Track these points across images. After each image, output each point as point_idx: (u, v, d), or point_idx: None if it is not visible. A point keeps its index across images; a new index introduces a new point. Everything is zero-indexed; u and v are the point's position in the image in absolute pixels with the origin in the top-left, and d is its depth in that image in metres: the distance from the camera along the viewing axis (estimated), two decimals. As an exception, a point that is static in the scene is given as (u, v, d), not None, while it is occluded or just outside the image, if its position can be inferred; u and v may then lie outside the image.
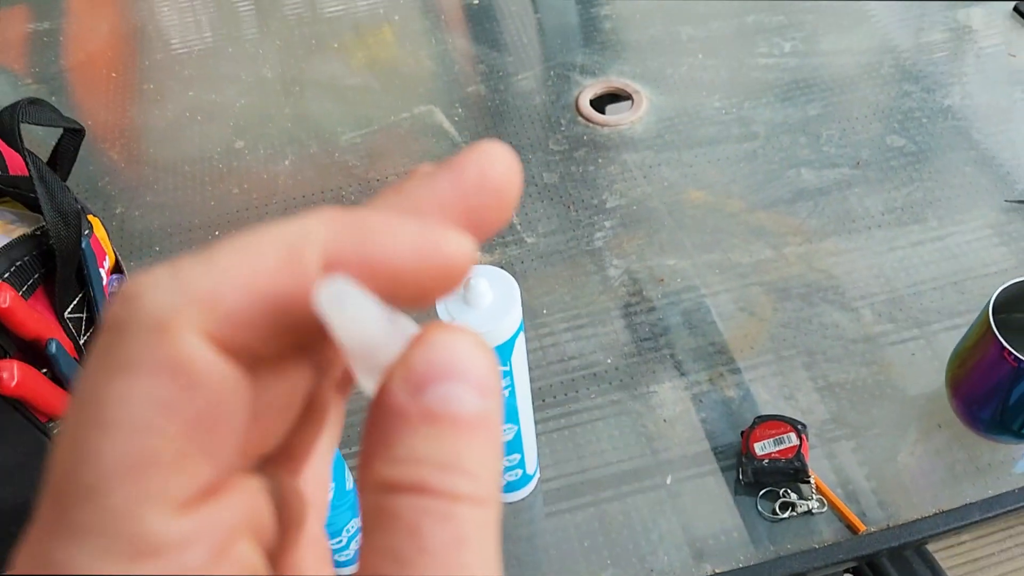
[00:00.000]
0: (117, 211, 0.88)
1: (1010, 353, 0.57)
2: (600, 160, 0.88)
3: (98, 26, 1.11)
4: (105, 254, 0.65)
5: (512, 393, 0.55)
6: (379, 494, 0.16)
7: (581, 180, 0.86)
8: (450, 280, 0.17)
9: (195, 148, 0.94)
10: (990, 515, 0.62)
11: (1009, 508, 0.62)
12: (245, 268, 0.16)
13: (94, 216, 0.66)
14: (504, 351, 0.51)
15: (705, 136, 0.89)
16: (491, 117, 0.93)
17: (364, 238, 0.17)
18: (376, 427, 0.16)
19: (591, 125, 0.91)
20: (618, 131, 0.90)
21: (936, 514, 0.62)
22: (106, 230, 0.69)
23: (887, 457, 0.65)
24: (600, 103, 0.94)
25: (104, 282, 0.65)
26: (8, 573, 0.15)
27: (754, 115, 0.91)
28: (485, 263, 0.78)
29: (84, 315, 0.62)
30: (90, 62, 1.06)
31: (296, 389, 0.18)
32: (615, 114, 0.93)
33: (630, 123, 0.91)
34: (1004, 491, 0.63)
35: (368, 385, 0.17)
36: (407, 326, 0.17)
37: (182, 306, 0.15)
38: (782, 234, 0.80)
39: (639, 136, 0.90)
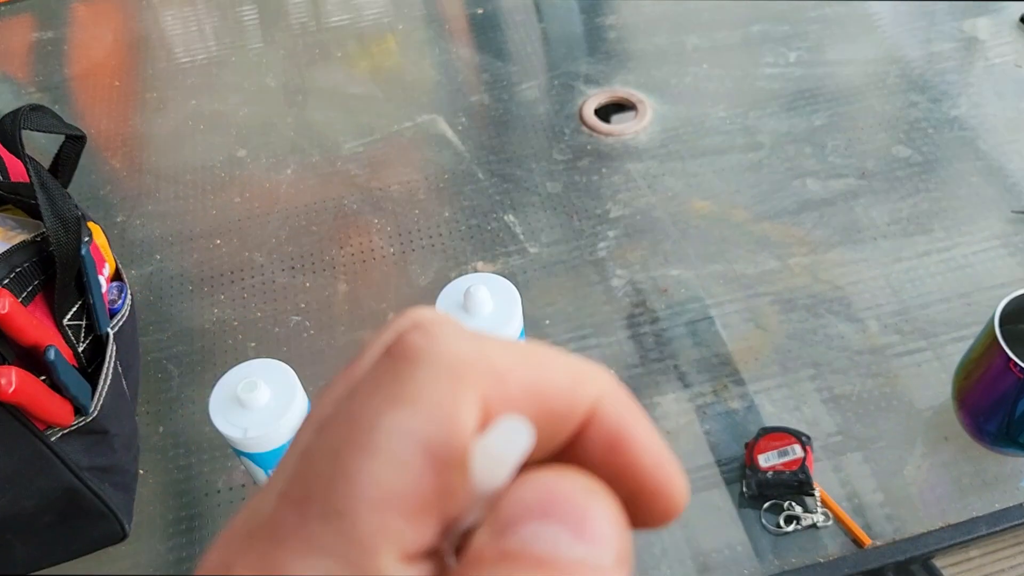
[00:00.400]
0: (118, 219, 0.88)
1: (1016, 365, 0.57)
2: (604, 170, 0.88)
3: (102, 35, 1.12)
4: (105, 261, 0.65)
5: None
6: None
7: (584, 190, 0.86)
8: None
9: (197, 157, 0.94)
10: (997, 529, 0.62)
11: (1016, 522, 0.62)
12: (534, 374, 0.16)
13: (94, 223, 0.66)
14: None
15: (710, 146, 0.89)
16: (495, 127, 0.94)
17: (627, 418, 0.17)
18: None
19: (595, 135, 0.92)
20: (622, 140, 0.91)
21: (943, 528, 0.62)
22: (107, 238, 0.70)
23: (893, 470, 0.65)
24: (605, 113, 0.95)
25: (104, 289, 0.65)
26: (233, 573, 0.14)
27: (759, 125, 0.91)
28: (487, 271, 0.79)
29: (83, 322, 0.63)
30: (93, 71, 1.07)
31: None
32: (619, 124, 0.93)
33: (634, 133, 0.91)
34: (1011, 505, 0.63)
35: None
36: None
37: (480, 365, 0.15)
38: (787, 245, 0.80)
39: (643, 146, 0.90)
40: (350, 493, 0.14)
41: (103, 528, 0.64)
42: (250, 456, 0.55)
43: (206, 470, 0.69)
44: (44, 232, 0.57)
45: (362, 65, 1.04)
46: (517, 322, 0.50)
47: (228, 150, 0.95)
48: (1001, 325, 0.58)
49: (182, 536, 0.66)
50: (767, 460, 0.63)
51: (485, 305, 0.49)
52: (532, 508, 0.14)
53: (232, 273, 0.82)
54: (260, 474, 0.59)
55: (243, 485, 0.68)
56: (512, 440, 0.15)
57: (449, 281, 0.63)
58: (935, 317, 0.74)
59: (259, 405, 0.46)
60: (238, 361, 0.58)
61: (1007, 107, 0.91)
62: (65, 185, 0.65)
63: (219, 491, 0.68)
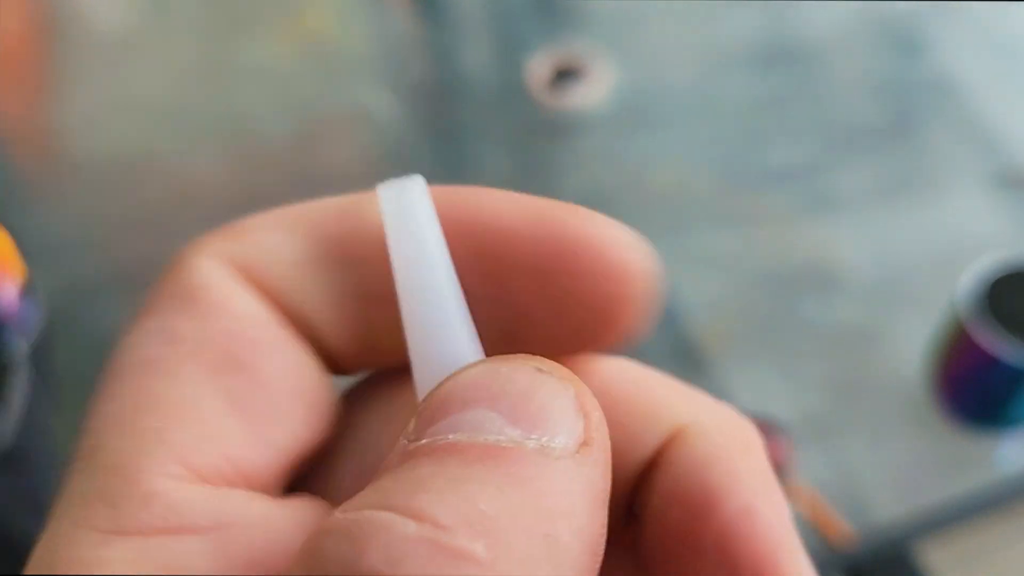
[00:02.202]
0: (26, 220, 0.86)
1: (986, 341, 0.58)
2: (557, 145, 0.88)
3: (5, 11, 1.09)
4: (9, 275, 0.64)
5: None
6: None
7: (536, 167, 0.86)
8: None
9: (110, 146, 0.92)
10: (975, 510, 0.63)
11: (995, 502, 0.64)
12: (290, 214, 0.14)
13: (-3, 230, 0.65)
14: None
15: (668, 116, 0.90)
16: (436, 100, 0.93)
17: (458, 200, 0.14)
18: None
19: (545, 106, 0.91)
20: (575, 111, 0.90)
21: (920, 512, 0.64)
22: (14, 241, 0.68)
23: (867, 455, 0.67)
24: (556, 80, 0.94)
25: (14, 306, 0.64)
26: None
27: (723, 89, 0.91)
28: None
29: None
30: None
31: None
32: (572, 92, 0.93)
33: (588, 102, 0.91)
34: (987, 484, 0.64)
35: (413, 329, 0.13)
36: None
37: (208, 239, 0.13)
38: (756, 219, 0.81)
39: (598, 118, 0.90)
40: (96, 425, 0.12)
41: (24, 561, 0.64)
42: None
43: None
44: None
45: (290, 37, 1.02)
46: None
47: (142, 138, 0.93)
48: (971, 301, 0.60)
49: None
50: (738, 453, 0.64)
51: None
52: (454, 399, 0.12)
53: (152, 274, 0.81)
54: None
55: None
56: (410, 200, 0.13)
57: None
58: (913, 289, 0.75)
59: None
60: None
61: (984, 65, 0.92)
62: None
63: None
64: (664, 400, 0.14)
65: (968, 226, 0.79)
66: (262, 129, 0.92)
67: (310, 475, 0.14)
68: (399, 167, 0.88)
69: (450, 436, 0.11)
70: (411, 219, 0.14)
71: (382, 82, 0.95)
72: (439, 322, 0.14)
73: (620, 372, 0.15)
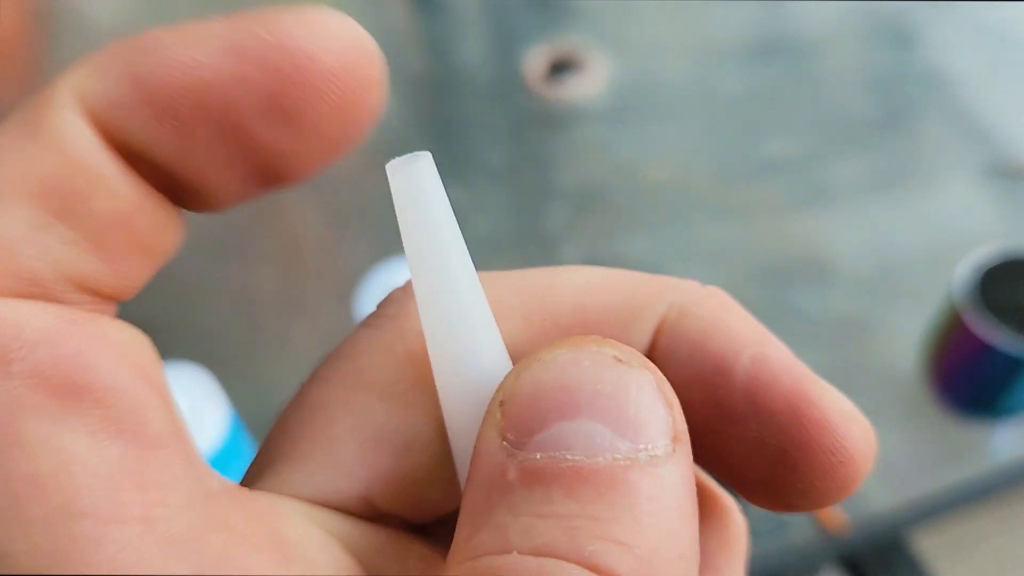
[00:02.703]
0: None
1: (982, 330, 0.58)
2: (552, 137, 0.88)
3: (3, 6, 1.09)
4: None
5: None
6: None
7: (531, 159, 0.86)
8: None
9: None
10: (968, 499, 0.64)
11: (988, 491, 0.64)
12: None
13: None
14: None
15: (664, 108, 0.90)
16: (432, 92, 0.93)
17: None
18: (468, 499, 0.12)
19: (541, 98, 0.91)
20: (571, 104, 0.91)
21: (914, 501, 0.64)
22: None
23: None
24: (552, 73, 0.95)
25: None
26: None
27: (718, 82, 0.91)
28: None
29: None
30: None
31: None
32: (568, 85, 0.93)
33: (584, 95, 0.91)
34: (981, 473, 0.65)
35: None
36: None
37: (67, 86, 0.13)
38: (751, 211, 0.81)
39: (593, 109, 0.90)
40: None
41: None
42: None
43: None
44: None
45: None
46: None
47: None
48: (967, 290, 0.60)
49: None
50: (732, 442, 0.64)
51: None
52: (550, 402, 0.12)
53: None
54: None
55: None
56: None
57: (385, 262, 0.63)
58: (907, 281, 0.75)
59: None
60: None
61: (979, 57, 0.92)
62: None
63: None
64: (637, 295, 0.15)
65: (962, 217, 0.79)
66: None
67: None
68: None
69: (567, 456, 0.11)
70: (420, 195, 0.14)
71: (378, 75, 0.95)
72: (454, 301, 0.14)
73: (589, 281, 0.15)
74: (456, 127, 0.90)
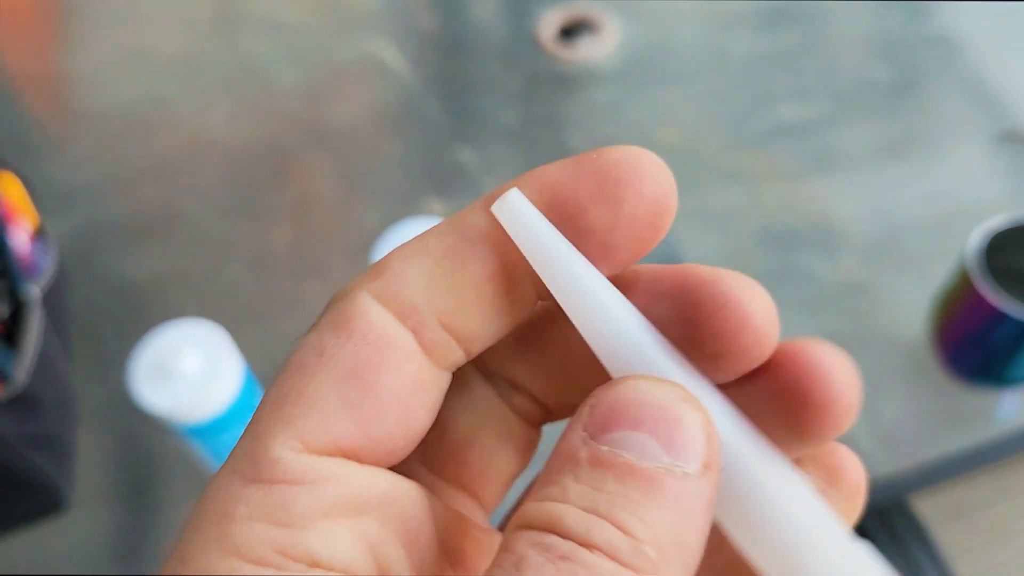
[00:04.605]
0: (38, 167, 0.86)
1: (993, 296, 0.57)
2: (564, 98, 0.87)
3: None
4: (21, 218, 0.63)
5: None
6: (512, 532, 0.15)
7: (543, 121, 0.85)
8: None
9: (122, 96, 0.91)
10: (973, 464, 0.63)
11: (992, 457, 0.64)
12: (412, 244, 0.18)
13: (7, 172, 0.64)
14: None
15: (676, 70, 0.88)
16: (445, 53, 0.92)
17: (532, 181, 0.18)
18: (546, 468, 0.16)
19: (554, 59, 0.90)
20: (584, 66, 0.89)
21: (920, 465, 0.64)
22: (26, 188, 0.67)
23: (868, 410, 0.66)
24: (565, 35, 0.93)
25: (27, 248, 0.64)
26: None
27: (729, 46, 0.90)
28: (437, 213, 0.78)
29: (6, 286, 0.61)
30: (5, 3, 1.02)
31: (475, 407, 0.20)
32: (581, 47, 0.91)
33: (596, 57, 0.90)
34: (987, 439, 0.64)
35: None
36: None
37: (362, 279, 0.17)
38: (760, 176, 0.80)
39: (606, 71, 0.89)
40: (257, 409, 0.17)
41: (41, 500, 0.64)
42: (179, 430, 0.54)
43: (149, 434, 0.69)
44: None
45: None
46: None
47: (156, 86, 0.92)
48: (978, 256, 0.59)
49: (127, 502, 0.66)
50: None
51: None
52: (623, 414, 0.16)
53: (164, 222, 0.80)
54: (200, 451, 0.59)
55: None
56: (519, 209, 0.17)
57: (401, 223, 0.62)
58: (915, 248, 0.74)
59: (186, 374, 0.45)
60: (174, 318, 0.57)
61: (991, 22, 0.90)
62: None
63: (162, 455, 0.68)
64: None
65: (972, 184, 0.78)
66: (274, 80, 0.91)
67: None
68: (409, 118, 0.87)
69: (625, 455, 0.15)
70: (530, 226, 0.17)
71: (393, 34, 0.94)
72: (593, 300, 0.17)
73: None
74: (469, 87, 0.89)
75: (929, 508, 0.64)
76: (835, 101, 0.85)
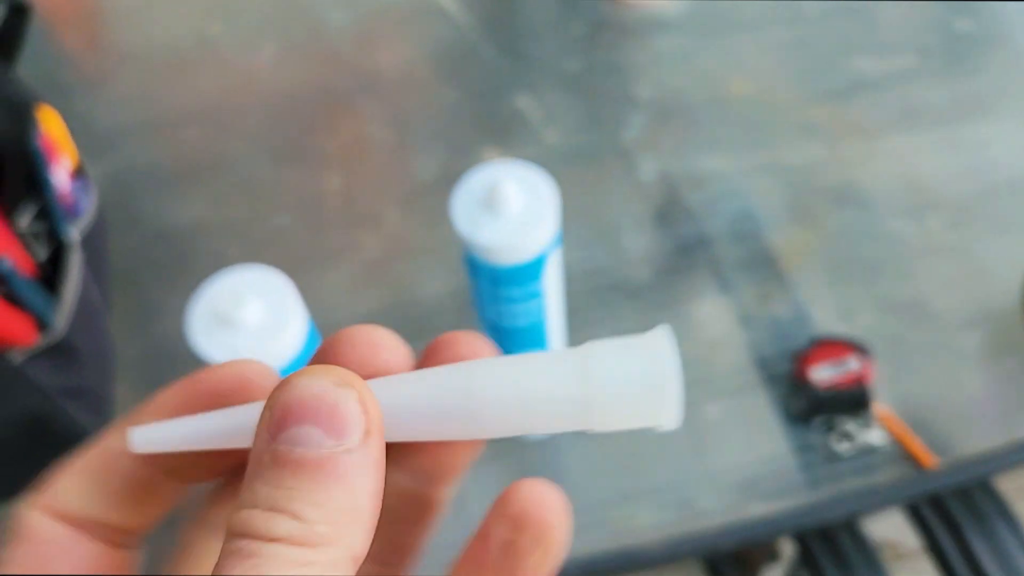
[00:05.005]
0: (78, 106, 0.82)
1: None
2: (630, 45, 0.82)
3: None
4: (62, 155, 0.60)
5: (543, 317, 0.51)
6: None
7: (607, 69, 0.80)
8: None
9: (165, 33, 0.87)
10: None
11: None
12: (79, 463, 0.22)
13: (50, 109, 0.60)
14: (532, 270, 0.47)
15: (749, 18, 0.83)
16: (502, -4, 0.87)
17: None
18: (246, 473, 0.18)
19: (619, 3, 0.85)
20: (651, 11, 0.84)
21: (1006, 445, 0.59)
22: (68, 127, 0.64)
23: (954, 384, 0.62)
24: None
25: (67, 188, 0.60)
26: None
27: (805, -7, 0.84)
28: (494, 161, 0.73)
29: (46, 228, 0.58)
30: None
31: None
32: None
33: (665, 2, 0.84)
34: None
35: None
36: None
37: (33, 499, 0.21)
38: (837, 131, 0.75)
39: (675, 17, 0.83)
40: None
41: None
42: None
43: (190, 389, 0.65)
44: (-14, 121, 0.52)
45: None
46: (550, 224, 0.45)
47: (200, 25, 0.87)
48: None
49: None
50: (819, 373, 0.60)
51: (512, 203, 0.44)
52: (292, 411, 0.17)
53: (209, 167, 0.77)
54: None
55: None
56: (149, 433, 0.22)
57: (455, 174, 0.58)
58: (1008, 210, 0.69)
59: (249, 323, 0.41)
60: (219, 267, 0.54)
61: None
62: (10, 65, 0.59)
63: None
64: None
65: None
66: (323, 20, 0.87)
67: None
68: (465, 63, 0.82)
69: (297, 450, 0.17)
70: (170, 439, 0.21)
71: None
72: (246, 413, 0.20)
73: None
74: (527, 31, 0.84)
75: (1014, 484, 0.60)
76: (916, 54, 0.79)
